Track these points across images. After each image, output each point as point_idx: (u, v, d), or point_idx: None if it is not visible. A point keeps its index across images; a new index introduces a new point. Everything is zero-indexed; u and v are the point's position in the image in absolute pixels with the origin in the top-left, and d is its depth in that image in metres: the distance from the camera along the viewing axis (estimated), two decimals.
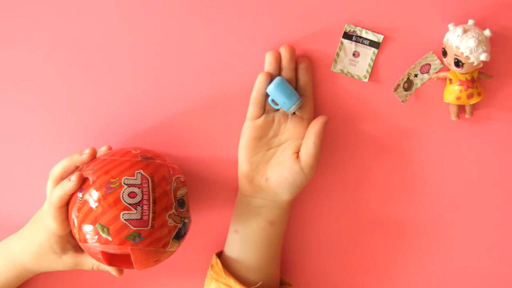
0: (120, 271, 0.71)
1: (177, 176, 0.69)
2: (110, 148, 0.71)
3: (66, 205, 0.67)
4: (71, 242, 0.71)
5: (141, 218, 0.64)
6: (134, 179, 0.65)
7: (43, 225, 0.69)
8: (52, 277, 0.79)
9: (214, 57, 0.76)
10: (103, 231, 0.64)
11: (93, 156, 0.68)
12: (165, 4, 0.74)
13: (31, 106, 0.77)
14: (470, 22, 0.72)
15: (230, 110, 0.76)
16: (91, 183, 0.65)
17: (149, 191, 0.65)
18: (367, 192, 0.79)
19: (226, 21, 0.75)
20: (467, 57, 0.70)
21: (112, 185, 0.64)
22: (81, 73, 0.76)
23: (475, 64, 0.70)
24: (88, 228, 0.64)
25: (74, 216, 0.66)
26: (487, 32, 0.70)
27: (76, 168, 0.69)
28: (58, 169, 0.68)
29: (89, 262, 0.71)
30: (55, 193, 0.66)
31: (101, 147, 0.72)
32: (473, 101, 0.74)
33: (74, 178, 0.65)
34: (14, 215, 0.78)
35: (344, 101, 0.77)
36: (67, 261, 0.71)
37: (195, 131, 0.77)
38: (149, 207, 0.64)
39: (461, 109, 0.76)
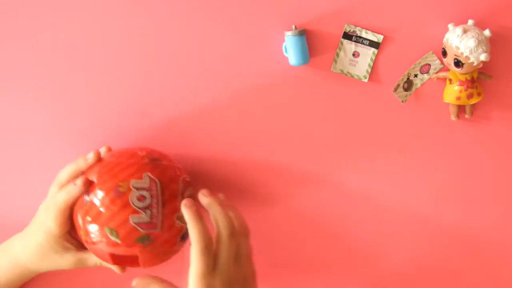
0: (123, 269, 0.71)
1: (184, 176, 0.69)
2: (109, 149, 0.71)
3: (69, 208, 0.67)
4: (71, 241, 0.71)
5: (150, 221, 0.64)
6: (142, 182, 0.65)
7: (42, 226, 0.69)
8: (53, 277, 0.79)
9: (213, 58, 0.76)
10: (111, 234, 0.63)
11: (98, 159, 0.68)
12: (173, 6, 0.74)
13: (32, 106, 0.77)
14: (470, 22, 0.72)
15: (230, 111, 0.76)
16: (98, 186, 0.65)
17: (157, 194, 0.65)
18: (366, 192, 0.79)
19: (227, 23, 0.75)
20: (467, 57, 0.70)
21: (120, 189, 0.64)
22: (83, 73, 0.76)
23: (475, 64, 0.70)
24: (96, 231, 0.64)
25: (80, 219, 0.65)
26: (487, 32, 0.70)
27: (82, 173, 0.68)
28: (64, 176, 0.68)
29: (92, 259, 0.71)
30: (60, 196, 0.66)
31: (101, 148, 0.71)
32: (473, 101, 0.74)
33: (79, 182, 0.65)
34: (14, 215, 0.78)
35: (344, 101, 0.77)
36: (69, 259, 0.71)
37: (194, 132, 0.77)
38: (158, 210, 0.64)
39: (461, 109, 0.76)
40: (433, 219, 0.80)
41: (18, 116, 0.77)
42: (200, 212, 0.65)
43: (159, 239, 0.65)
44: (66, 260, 0.71)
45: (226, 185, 0.78)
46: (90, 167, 0.68)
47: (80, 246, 0.71)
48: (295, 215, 0.80)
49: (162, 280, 0.66)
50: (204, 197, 0.68)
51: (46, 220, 0.68)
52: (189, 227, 0.64)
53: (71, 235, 0.71)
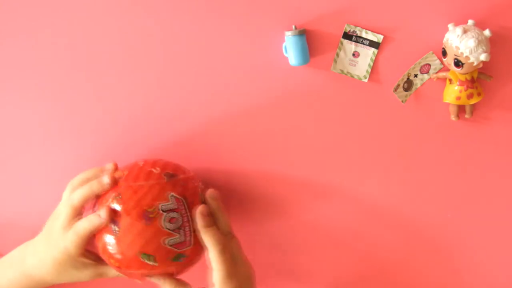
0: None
1: (199, 184, 0.70)
2: (116, 166, 0.70)
3: (90, 235, 0.66)
4: (90, 257, 0.70)
5: (184, 240, 0.65)
6: (170, 204, 0.65)
7: (59, 246, 0.67)
8: None
9: (213, 59, 0.76)
10: (149, 260, 0.64)
11: (115, 184, 0.67)
12: (173, 6, 0.74)
13: (32, 106, 0.77)
14: (470, 22, 0.72)
15: (229, 112, 0.76)
16: (125, 214, 0.64)
17: (186, 212, 0.66)
18: (367, 191, 0.79)
19: (227, 23, 0.75)
20: (467, 57, 0.70)
21: (150, 215, 0.64)
22: (83, 73, 0.76)
23: (475, 64, 0.70)
24: (130, 259, 0.64)
25: (110, 247, 0.65)
26: (487, 32, 0.70)
27: (97, 197, 0.68)
28: (78, 199, 0.67)
29: (112, 272, 0.70)
30: (83, 226, 0.65)
31: (106, 165, 0.70)
32: (473, 101, 0.74)
33: (104, 214, 0.64)
34: (13, 215, 0.78)
35: (344, 101, 0.77)
36: (89, 274, 0.70)
37: (193, 132, 0.77)
38: (189, 227, 0.66)
39: (461, 109, 0.76)
40: (434, 219, 0.80)
41: (18, 116, 0.77)
42: (211, 217, 0.68)
43: (192, 253, 0.66)
44: (85, 274, 0.70)
45: (227, 190, 0.79)
46: (106, 192, 0.66)
47: (98, 259, 0.70)
48: (294, 219, 0.79)
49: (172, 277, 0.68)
50: (212, 201, 0.69)
51: (62, 242, 0.67)
52: (204, 233, 0.66)
53: (88, 250, 0.70)
